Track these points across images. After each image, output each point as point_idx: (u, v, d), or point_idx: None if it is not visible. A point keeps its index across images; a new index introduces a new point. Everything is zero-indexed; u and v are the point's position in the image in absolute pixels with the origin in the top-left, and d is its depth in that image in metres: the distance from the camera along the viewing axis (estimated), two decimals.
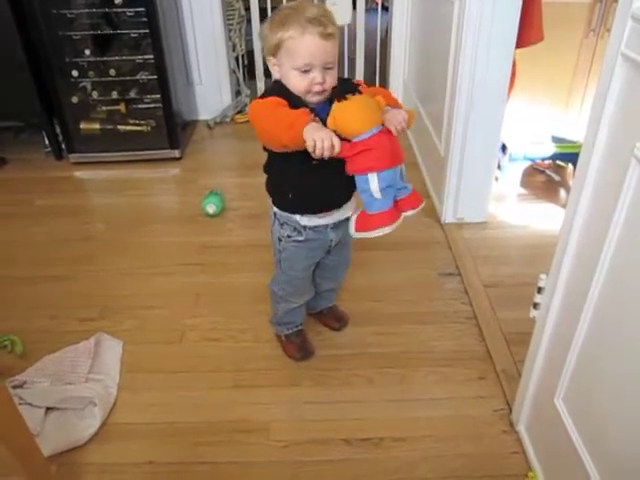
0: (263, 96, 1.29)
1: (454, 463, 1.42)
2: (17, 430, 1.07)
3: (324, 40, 1.21)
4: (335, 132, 1.17)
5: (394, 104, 1.31)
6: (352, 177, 1.27)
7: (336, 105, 1.18)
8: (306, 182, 1.35)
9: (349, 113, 1.17)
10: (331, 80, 1.25)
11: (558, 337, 1.23)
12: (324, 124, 1.22)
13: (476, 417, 1.54)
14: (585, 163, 1.04)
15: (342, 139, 1.17)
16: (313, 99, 1.26)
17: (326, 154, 1.15)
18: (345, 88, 1.21)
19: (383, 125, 1.21)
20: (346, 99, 1.17)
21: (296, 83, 1.25)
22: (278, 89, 1.27)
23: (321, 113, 1.24)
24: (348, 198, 1.43)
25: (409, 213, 1.33)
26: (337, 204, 1.42)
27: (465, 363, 1.70)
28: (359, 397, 1.60)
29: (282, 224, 1.46)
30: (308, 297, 1.67)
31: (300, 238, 1.46)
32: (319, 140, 1.13)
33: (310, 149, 1.15)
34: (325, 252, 1.54)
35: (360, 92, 1.20)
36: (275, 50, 1.24)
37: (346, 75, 3.46)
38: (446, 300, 1.95)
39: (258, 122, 1.25)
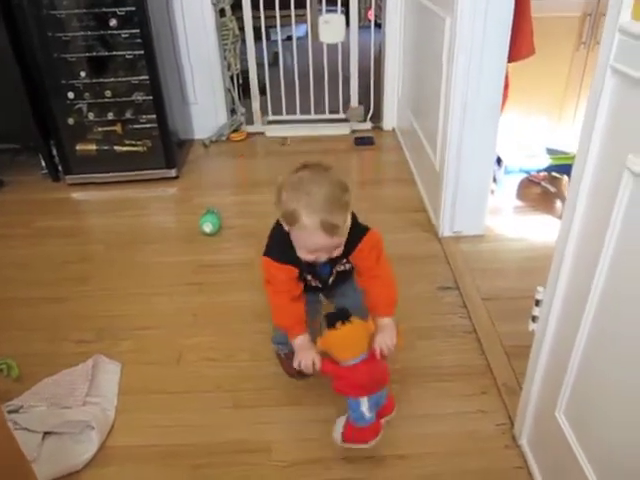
0: (270, 253, 1.41)
1: None
2: (12, 456, 1.06)
3: (332, 237, 1.26)
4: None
5: (387, 308, 1.41)
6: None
7: (326, 333, 1.33)
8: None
9: (335, 343, 1.32)
10: (337, 252, 1.34)
11: (557, 350, 1.22)
12: (322, 282, 1.49)
13: (478, 432, 1.52)
14: (578, 175, 1.05)
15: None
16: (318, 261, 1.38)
17: (308, 372, 1.37)
18: (338, 316, 1.32)
19: (370, 348, 1.34)
20: (335, 328, 1.30)
21: (303, 255, 1.34)
22: (284, 242, 1.34)
23: (322, 271, 1.46)
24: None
25: (386, 419, 1.46)
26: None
27: (466, 378, 1.69)
28: None
29: None
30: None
31: None
32: (303, 361, 1.36)
33: (294, 366, 1.39)
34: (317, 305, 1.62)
35: (350, 321, 1.31)
36: (286, 222, 1.29)
37: (341, 92, 3.48)
38: (445, 314, 1.94)
39: (266, 289, 1.45)
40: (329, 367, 1.36)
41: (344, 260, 1.47)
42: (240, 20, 3.32)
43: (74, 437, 1.50)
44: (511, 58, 2.06)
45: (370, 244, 1.42)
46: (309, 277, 1.49)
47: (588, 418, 1.12)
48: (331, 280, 1.54)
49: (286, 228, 1.32)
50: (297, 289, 1.45)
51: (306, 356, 1.36)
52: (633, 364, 0.95)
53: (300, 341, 1.41)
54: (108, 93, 2.83)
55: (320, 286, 1.55)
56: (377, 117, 3.60)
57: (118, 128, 2.97)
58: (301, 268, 1.41)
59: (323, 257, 1.34)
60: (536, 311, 1.28)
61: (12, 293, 2.15)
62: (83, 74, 2.80)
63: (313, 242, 1.28)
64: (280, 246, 1.37)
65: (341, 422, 1.44)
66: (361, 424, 1.38)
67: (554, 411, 1.23)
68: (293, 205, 1.23)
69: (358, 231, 1.40)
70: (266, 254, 1.44)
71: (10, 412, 1.53)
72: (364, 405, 1.36)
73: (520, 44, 2.12)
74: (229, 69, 3.40)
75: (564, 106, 2.71)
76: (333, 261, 1.41)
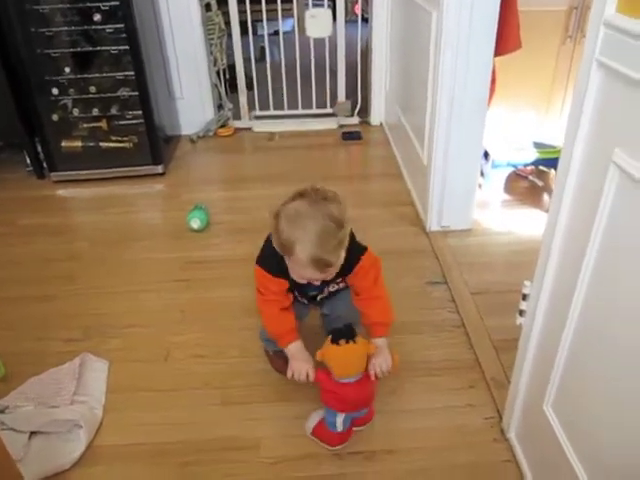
0: (263, 263, 1.42)
1: (447, 474, 1.41)
2: None
3: (323, 273, 1.29)
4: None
5: (385, 329, 1.46)
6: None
7: (328, 346, 1.33)
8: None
9: (334, 360, 1.33)
10: (331, 276, 1.35)
11: (545, 344, 1.23)
12: (308, 299, 1.54)
13: (467, 426, 1.53)
14: (565, 169, 1.05)
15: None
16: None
17: (300, 382, 1.40)
18: (344, 333, 1.32)
19: (365, 369, 1.37)
20: (338, 345, 1.31)
21: (296, 278, 1.37)
22: (277, 255, 1.33)
23: (311, 290, 1.48)
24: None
25: (359, 428, 1.50)
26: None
27: (455, 372, 1.69)
28: None
29: None
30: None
31: None
32: (296, 372, 1.40)
33: (288, 376, 1.42)
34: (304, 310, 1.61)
35: (354, 341, 1.31)
36: (281, 251, 1.30)
37: (328, 86, 3.47)
38: (434, 309, 1.95)
39: (256, 297, 1.47)
40: (322, 379, 1.39)
41: (339, 280, 1.48)
42: (226, 14, 3.29)
43: (62, 436, 1.49)
44: (498, 52, 2.05)
45: (368, 263, 1.43)
46: (296, 293, 1.51)
47: (575, 411, 1.12)
48: (320, 297, 1.56)
49: (279, 251, 1.32)
50: (287, 300, 1.47)
51: (300, 368, 1.40)
52: (619, 358, 0.95)
53: (293, 350, 1.43)
54: (93, 89, 2.79)
55: (306, 302, 1.57)
56: (365, 112, 3.59)
57: (103, 124, 2.94)
58: (290, 284, 1.43)
59: (316, 281, 1.37)
60: (523, 305, 1.29)
61: None
62: (67, 70, 2.75)
63: (305, 274, 1.30)
64: (273, 258, 1.37)
65: (318, 414, 1.48)
66: (331, 430, 1.44)
67: (542, 404, 1.24)
68: (288, 238, 1.24)
69: (356, 251, 1.40)
70: (259, 263, 1.44)
71: None
72: (339, 418, 1.41)
73: (507, 38, 2.12)
74: (215, 64, 3.38)
75: (551, 100, 2.72)
76: (326, 281, 1.43)
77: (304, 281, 1.37)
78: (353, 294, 1.52)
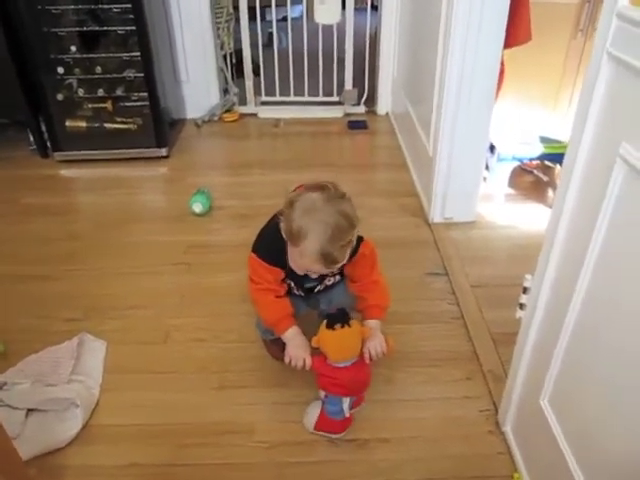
0: (259, 251, 1.42)
1: (439, 464, 1.41)
2: None
3: (328, 268, 1.31)
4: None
5: (382, 312, 1.48)
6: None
7: (323, 331, 1.34)
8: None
9: (329, 345, 1.34)
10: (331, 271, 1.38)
11: (543, 338, 1.23)
12: (304, 291, 1.52)
13: (462, 418, 1.53)
14: (571, 162, 1.04)
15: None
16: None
17: (297, 369, 1.39)
18: (337, 318, 1.32)
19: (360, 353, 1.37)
20: (333, 329, 1.31)
21: (295, 268, 1.37)
22: (275, 244, 1.34)
23: (307, 282, 1.47)
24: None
25: (352, 411, 1.49)
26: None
27: (452, 363, 1.69)
28: None
29: None
30: None
31: None
32: (294, 359, 1.39)
33: (285, 362, 1.41)
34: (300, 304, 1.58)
35: (349, 325, 1.32)
36: (289, 240, 1.29)
37: (335, 74, 3.45)
38: (433, 300, 1.94)
39: (249, 286, 1.46)
40: (319, 365, 1.38)
41: (336, 271, 1.47)
42: None
43: (58, 415, 1.49)
44: (507, 44, 2.03)
45: (367, 251, 1.44)
46: (292, 284, 1.50)
47: (572, 407, 1.12)
48: (317, 289, 1.55)
49: (285, 239, 1.31)
50: (282, 289, 1.46)
51: (297, 355, 1.39)
52: (619, 354, 0.95)
53: (290, 336, 1.42)
54: (99, 69, 2.78)
55: (302, 294, 1.56)
56: (371, 101, 3.57)
57: (108, 105, 2.92)
58: (286, 273, 1.42)
59: (314, 275, 1.37)
60: (524, 298, 1.28)
61: None
62: (73, 49, 2.74)
63: (308, 265, 1.30)
64: (271, 246, 1.36)
65: (315, 409, 1.47)
66: (337, 418, 1.43)
67: (538, 398, 1.23)
68: (300, 228, 1.23)
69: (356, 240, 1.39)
70: (255, 251, 1.43)
71: None
72: (345, 403, 1.41)
73: (517, 29, 2.09)
74: (222, 48, 3.36)
75: (559, 94, 2.69)
76: (323, 275, 1.42)
77: (302, 272, 1.36)
78: (349, 282, 1.52)
